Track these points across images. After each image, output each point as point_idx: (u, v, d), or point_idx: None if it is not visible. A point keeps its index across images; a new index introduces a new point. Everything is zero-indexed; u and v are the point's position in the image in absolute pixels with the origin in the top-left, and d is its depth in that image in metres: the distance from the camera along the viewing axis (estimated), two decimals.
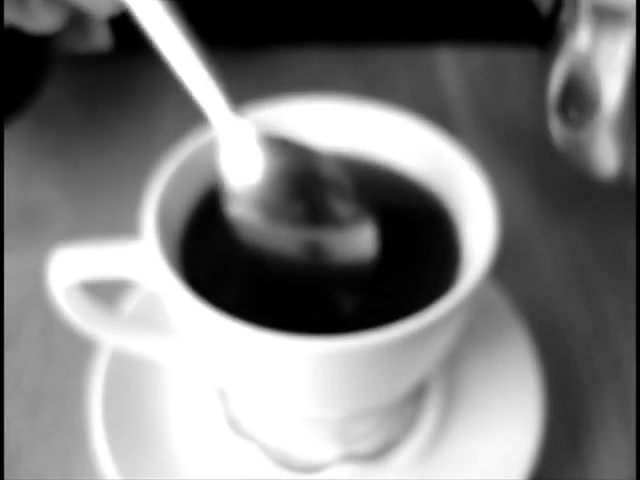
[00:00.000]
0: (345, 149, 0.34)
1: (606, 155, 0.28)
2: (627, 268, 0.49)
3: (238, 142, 0.28)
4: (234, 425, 0.37)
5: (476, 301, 0.28)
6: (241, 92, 0.65)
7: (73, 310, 0.32)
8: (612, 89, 0.36)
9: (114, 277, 0.30)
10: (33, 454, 0.39)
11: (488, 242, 0.28)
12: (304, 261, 0.28)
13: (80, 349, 0.44)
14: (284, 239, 0.28)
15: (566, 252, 0.51)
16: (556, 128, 0.41)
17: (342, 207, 0.28)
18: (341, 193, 0.28)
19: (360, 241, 0.28)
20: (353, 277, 0.28)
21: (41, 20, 0.40)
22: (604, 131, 0.30)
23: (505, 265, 0.49)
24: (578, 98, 0.35)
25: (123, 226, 0.52)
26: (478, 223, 0.29)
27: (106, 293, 0.47)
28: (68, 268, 0.30)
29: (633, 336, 0.45)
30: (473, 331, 0.41)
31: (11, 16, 0.39)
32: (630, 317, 0.46)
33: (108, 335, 0.35)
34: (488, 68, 0.67)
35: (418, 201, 0.32)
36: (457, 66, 0.67)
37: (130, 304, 0.42)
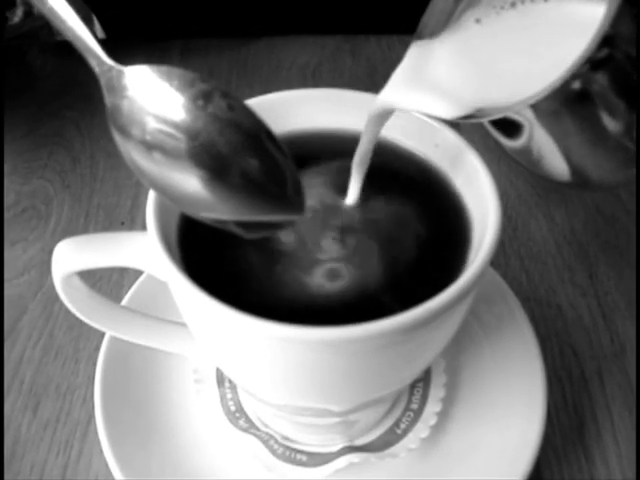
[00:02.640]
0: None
1: (552, 156, 0.28)
2: (632, 257, 0.49)
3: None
4: (234, 421, 0.37)
5: (479, 287, 0.28)
6: (244, 79, 0.65)
7: (75, 301, 0.32)
8: None
9: (115, 266, 0.30)
10: (32, 448, 0.39)
11: (492, 230, 0.28)
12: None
13: (79, 342, 0.44)
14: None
15: (570, 241, 0.50)
16: (497, 138, 0.40)
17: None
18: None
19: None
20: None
21: None
22: (539, 133, 0.29)
23: (508, 254, 0.49)
24: None
25: (121, 217, 0.53)
26: (483, 208, 0.29)
27: (107, 287, 0.47)
28: (70, 259, 0.30)
29: (637, 324, 0.45)
30: (476, 321, 0.41)
31: None
32: (634, 305, 0.46)
33: (108, 325, 0.34)
34: None
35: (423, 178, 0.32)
36: None
37: (127, 296, 0.42)
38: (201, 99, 0.25)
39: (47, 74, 0.67)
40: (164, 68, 0.25)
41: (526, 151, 0.28)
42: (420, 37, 0.27)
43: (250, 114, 0.26)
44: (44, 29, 0.75)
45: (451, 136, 0.32)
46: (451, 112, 0.25)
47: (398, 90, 0.27)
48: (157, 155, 0.25)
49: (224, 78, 0.66)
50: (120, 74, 0.25)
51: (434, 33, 0.27)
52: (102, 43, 0.26)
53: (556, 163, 0.28)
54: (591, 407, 0.41)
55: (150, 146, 0.25)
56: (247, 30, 0.71)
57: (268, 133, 0.26)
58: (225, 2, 0.70)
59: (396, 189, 0.32)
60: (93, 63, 0.26)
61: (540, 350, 0.39)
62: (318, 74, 0.66)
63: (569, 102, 0.24)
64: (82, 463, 0.38)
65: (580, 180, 0.30)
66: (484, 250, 0.27)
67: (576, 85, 0.24)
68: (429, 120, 0.32)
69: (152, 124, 0.25)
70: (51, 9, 0.26)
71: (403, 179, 0.33)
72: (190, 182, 0.25)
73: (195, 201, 0.25)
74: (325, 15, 0.71)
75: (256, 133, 0.26)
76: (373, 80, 0.65)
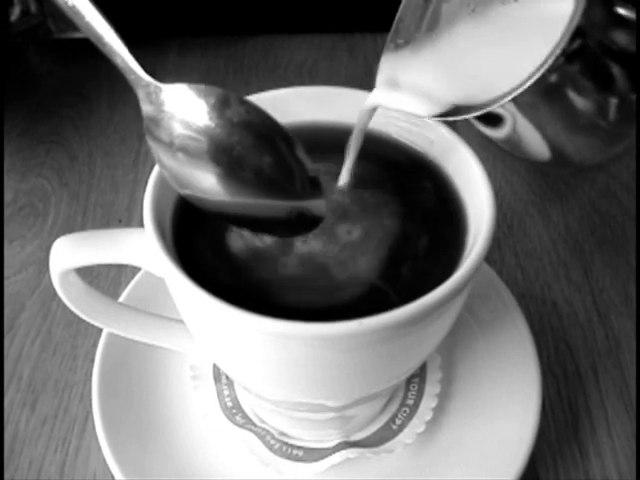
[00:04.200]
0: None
1: (534, 142, 0.28)
2: (627, 254, 0.49)
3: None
4: (231, 417, 0.37)
5: (475, 283, 0.28)
6: (242, 76, 0.65)
7: (72, 297, 0.32)
8: None
9: (112, 263, 0.30)
10: (31, 444, 0.39)
11: (486, 226, 0.28)
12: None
13: (77, 339, 0.44)
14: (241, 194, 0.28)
15: (565, 237, 0.51)
16: (481, 129, 0.40)
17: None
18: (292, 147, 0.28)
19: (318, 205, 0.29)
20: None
21: None
22: (521, 123, 0.30)
23: (503, 251, 0.50)
24: None
25: (118, 214, 0.53)
26: (478, 204, 0.29)
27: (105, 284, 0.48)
28: (68, 255, 0.30)
29: (632, 320, 0.45)
30: (471, 318, 0.41)
31: None
32: (629, 302, 0.46)
33: (106, 321, 0.34)
34: None
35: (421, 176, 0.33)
36: None
37: (124, 293, 0.42)
38: (221, 106, 0.27)
39: (45, 72, 0.67)
40: (201, 87, 0.27)
41: (510, 140, 0.29)
42: (397, 34, 0.29)
43: (266, 117, 0.28)
44: (41, 27, 0.75)
45: (447, 133, 0.32)
46: (429, 111, 0.27)
47: (380, 90, 0.29)
48: (180, 155, 0.28)
49: (221, 76, 0.66)
50: (158, 90, 0.28)
51: (410, 31, 0.28)
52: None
53: (539, 148, 0.28)
54: (586, 402, 0.41)
55: (176, 148, 0.28)
56: (244, 28, 0.72)
57: (283, 134, 0.28)
58: (222, 0, 0.70)
59: (392, 186, 0.32)
60: (131, 77, 0.28)
61: (535, 346, 0.39)
62: (315, 72, 0.66)
63: (546, 93, 0.25)
64: (80, 459, 0.38)
65: (563, 161, 0.30)
66: (479, 246, 0.27)
67: (552, 78, 0.24)
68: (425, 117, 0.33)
69: (179, 130, 0.27)
70: (88, 25, 0.27)
71: (398, 175, 0.33)
72: (208, 178, 0.28)
73: (213, 197, 0.28)
74: (321, 13, 0.71)
75: (270, 134, 0.28)
76: (369, 78, 0.65)
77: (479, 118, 0.29)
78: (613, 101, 0.26)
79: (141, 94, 0.28)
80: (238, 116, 0.27)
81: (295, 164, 0.28)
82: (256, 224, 0.29)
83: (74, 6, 0.27)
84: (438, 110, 0.27)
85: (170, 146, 0.28)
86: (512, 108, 0.27)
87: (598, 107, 0.26)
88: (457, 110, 0.27)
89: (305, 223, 0.29)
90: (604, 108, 0.26)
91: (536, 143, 0.28)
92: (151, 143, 0.28)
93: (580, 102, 0.25)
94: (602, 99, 0.25)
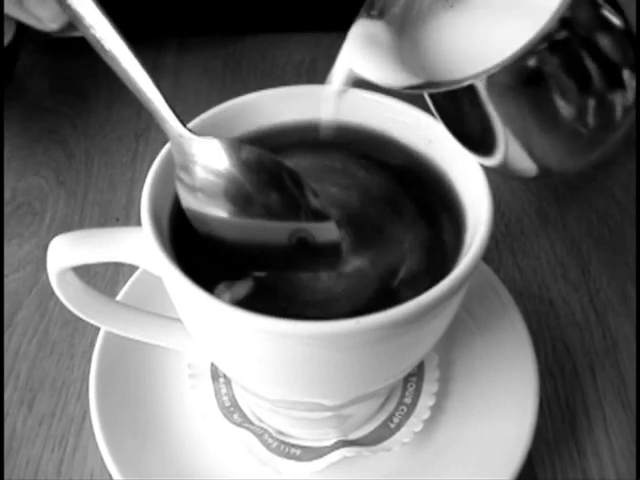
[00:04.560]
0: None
1: (521, 159, 0.28)
2: (625, 254, 0.49)
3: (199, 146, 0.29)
4: (228, 415, 0.37)
5: (472, 283, 0.29)
6: (238, 76, 0.65)
7: (70, 296, 0.32)
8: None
9: (110, 261, 0.30)
10: (28, 443, 0.39)
11: (484, 226, 0.28)
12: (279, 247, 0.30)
13: (75, 338, 0.44)
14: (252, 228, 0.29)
15: (562, 237, 0.51)
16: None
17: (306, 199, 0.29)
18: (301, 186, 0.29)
19: (327, 228, 0.29)
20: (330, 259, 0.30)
21: (40, 15, 0.41)
22: (511, 146, 0.30)
23: (501, 250, 0.50)
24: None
25: (115, 213, 0.53)
26: (475, 204, 0.29)
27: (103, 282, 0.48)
28: (65, 254, 0.30)
29: (629, 320, 0.45)
30: (469, 317, 0.41)
31: (13, 12, 0.40)
32: (627, 301, 0.46)
33: (103, 320, 0.34)
34: None
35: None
36: None
37: (121, 291, 0.42)
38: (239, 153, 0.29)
39: (41, 71, 0.67)
40: (235, 141, 0.29)
41: (500, 165, 0.29)
42: (372, 6, 0.29)
43: (273, 159, 0.29)
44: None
45: (445, 132, 0.32)
46: (399, 81, 0.27)
47: (352, 51, 0.29)
48: (200, 195, 0.29)
49: (219, 76, 0.66)
50: (191, 142, 0.29)
51: (386, 5, 0.28)
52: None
53: (527, 165, 0.28)
54: (583, 401, 0.41)
55: (195, 189, 0.29)
56: (242, 28, 0.71)
57: (289, 171, 0.29)
58: (220, 0, 0.70)
59: (388, 184, 0.32)
60: (165, 126, 0.29)
61: (533, 345, 0.39)
62: (312, 71, 0.66)
63: (523, 79, 0.25)
64: (77, 458, 0.38)
65: (547, 174, 0.30)
66: (476, 245, 0.27)
67: (531, 62, 0.24)
68: (423, 116, 0.33)
69: (201, 174, 0.29)
70: (125, 73, 0.28)
71: (395, 174, 0.33)
72: (222, 214, 0.29)
73: (227, 230, 0.29)
74: (319, 13, 0.71)
75: (278, 172, 0.29)
76: None
77: (470, 147, 0.29)
78: (591, 102, 0.26)
79: (173, 143, 0.29)
80: (249, 160, 0.29)
81: (300, 196, 0.29)
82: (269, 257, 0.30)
83: (111, 51, 0.27)
84: (408, 82, 0.27)
85: (193, 189, 0.29)
86: (503, 134, 0.27)
87: (578, 110, 0.26)
88: (428, 85, 0.27)
89: (321, 251, 0.29)
90: (583, 111, 0.26)
91: (524, 161, 0.28)
92: (179, 186, 0.29)
93: (560, 103, 0.25)
94: (581, 100, 0.26)
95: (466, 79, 0.25)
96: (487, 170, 0.29)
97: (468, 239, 0.29)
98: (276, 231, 0.29)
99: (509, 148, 0.27)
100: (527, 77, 0.25)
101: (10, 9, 0.41)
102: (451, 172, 0.32)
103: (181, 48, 0.69)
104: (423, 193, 0.32)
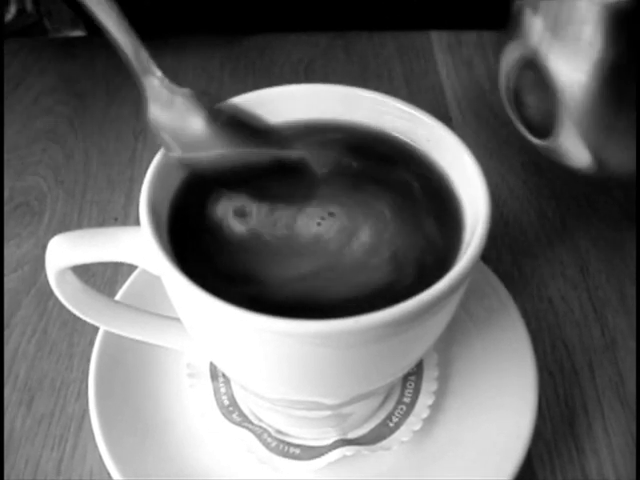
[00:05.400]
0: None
1: (577, 150, 0.27)
2: (623, 252, 0.49)
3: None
4: (228, 415, 0.37)
5: (471, 281, 0.29)
6: (237, 75, 0.65)
7: (68, 296, 0.32)
8: (570, 77, 0.33)
9: (108, 261, 0.30)
10: (27, 442, 0.39)
11: (482, 224, 0.28)
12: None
13: (73, 338, 0.44)
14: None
15: (561, 235, 0.51)
16: (521, 129, 0.39)
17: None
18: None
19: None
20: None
21: None
22: (567, 127, 0.29)
23: (500, 249, 0.50)
24: (533, 89, 0.33)
25: (114, 212, 0.53)
26: (474, 202, 0.29)
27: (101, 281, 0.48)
28: (64, 254, 0.30)
29: (628, 317, 0.45)
30: (468, 316, 0.41)
31: None
32: (625, 299, 0.46)
33: (102, 320, 0.34)
34: (478, 49, 0.67)
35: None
36: (448, 47, 0.68)
37: (120, 291, 0.42)
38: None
39: (40, 70, 0.67)
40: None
41: (551, 147, 0.28)
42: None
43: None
44: (37, 26, 0.75)
45: (442, 131, 0.32)
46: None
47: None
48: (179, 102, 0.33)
49: (217, 75, 0.66)
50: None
51: None
52: (90, 38, 0.28)
53: (577, 148, 0.28)
54: (582, 399, 0.41)
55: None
56: (240, 27, 0.71)
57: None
58: (218, 0, 0.70)
59: (387, 182, 0.32)
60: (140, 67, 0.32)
61: (532, 343, 0.39)
62: (311, 70, 0.66)
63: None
64: (76, 457, 0.38)
65: (600, 165, 0.29)
66: (475, 244, 0.27)
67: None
68: (422, 115, 0.33)
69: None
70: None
71: (393, 172, 0.33)
72: (194, 122, 0.32)
73: (197, 139, 0.32)
74: (318, 12, 0.71)
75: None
76: (365, 76, 0.65)
77: (528, 128, 0.29)
78: None
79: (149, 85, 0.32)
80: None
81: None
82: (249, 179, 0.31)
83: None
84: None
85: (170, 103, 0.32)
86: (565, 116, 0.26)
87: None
88: None
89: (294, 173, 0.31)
90: None
91: (578, 150, 0.27)
92: (154, 114, 0.32)
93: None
94: None
95: None
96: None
97: (467, 238, 0.29)
98: (250, 154, 0.31)
99: (567, 133, 0.26)
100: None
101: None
102: (450, 171, 0.32)
103: (179, 48, 0.69)
104: (421, 191, 0.32)
